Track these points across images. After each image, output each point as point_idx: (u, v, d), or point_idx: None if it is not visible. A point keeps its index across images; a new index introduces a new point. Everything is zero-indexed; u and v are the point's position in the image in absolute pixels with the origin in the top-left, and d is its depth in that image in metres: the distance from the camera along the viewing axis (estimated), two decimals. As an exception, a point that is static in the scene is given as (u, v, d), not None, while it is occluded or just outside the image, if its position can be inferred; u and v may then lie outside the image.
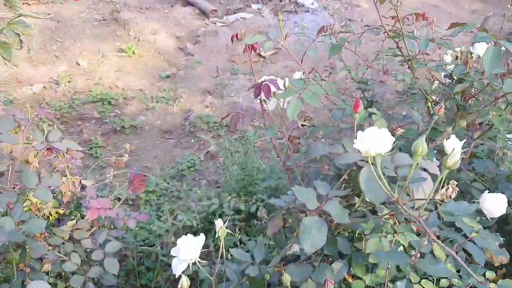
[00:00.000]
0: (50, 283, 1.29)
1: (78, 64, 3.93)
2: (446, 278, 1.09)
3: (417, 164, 0.91)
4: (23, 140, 1.49)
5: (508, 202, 1.38)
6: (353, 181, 1.16)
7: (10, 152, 1.78)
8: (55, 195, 1.66)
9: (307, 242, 0.95)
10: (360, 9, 5.10)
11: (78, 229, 1.56)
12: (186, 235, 1.05)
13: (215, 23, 4.73)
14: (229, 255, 1.37)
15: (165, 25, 4.64)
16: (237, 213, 2.26)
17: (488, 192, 1.33)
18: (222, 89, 3.78)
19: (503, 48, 1.13)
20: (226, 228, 1.13)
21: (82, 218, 1.69)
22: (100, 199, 1.57)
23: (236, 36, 1.30)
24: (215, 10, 4.88)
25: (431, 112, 1.56)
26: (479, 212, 1.04)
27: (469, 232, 1.04)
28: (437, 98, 1.45)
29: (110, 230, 1.64)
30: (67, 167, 1.64)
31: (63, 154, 1.55)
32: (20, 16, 1.32)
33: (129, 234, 2.08)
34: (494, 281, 0.98)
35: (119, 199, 2.33)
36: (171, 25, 4.66)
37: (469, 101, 1.40)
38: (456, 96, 1.38)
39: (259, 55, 4.18)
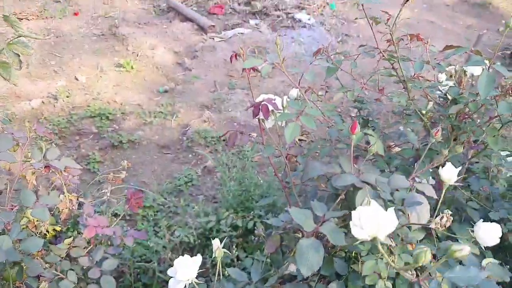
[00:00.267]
0: (46, 302, 1.29)
1: (77, 79, 3.96)
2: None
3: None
4: (21, 157, 1.50)
5: (502, 220, 1.40)
6: (350, 201, 1.17)
7: (9, 170, 1.79)
8: (52, 212, 1.66)
9: (303, 265, 0.96)
10: (356, 25, 5.15)
11: (75, 246, 1.56)
12: (183, 251, 1.05)
13: (213, 38, 4.78)
14: (226, 272, 1.37)
15: (163, 40, 4.68)
16: (234, 229, 2.26)
17: (483, 210, 1.34)
18: (220, 104, 3.80)
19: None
20: (224, 245, 1.14)
21: (79, 233, 1.69)
22: (98, 216, 1.58)
23: (235, 56, 1.32)
24: (213, 26, 4.93)
25: (427, 127, 1.57)
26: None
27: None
28: (432, 119, 1.47)
29: (107, 247, 1.64)
30: (65, 184, 1.65)
31: (61, 172, 1.56)
32: (19, 36, 1.33)
33: (126, 251, 2.08)
34: None
35: (116, 215, 2.33)
36: (170, 40, 4.70)
37: (464, 121, 1.42)
38: (451, 116, 1.40)
39: (256, 70, 4.20)
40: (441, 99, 1.47)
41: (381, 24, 1.43)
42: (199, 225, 2.32)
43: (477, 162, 1.71)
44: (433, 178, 1.43)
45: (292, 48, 4.69)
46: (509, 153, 1.64)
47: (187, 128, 3.48)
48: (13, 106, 3.53)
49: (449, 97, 1.41)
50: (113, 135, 3.33)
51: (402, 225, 1.02)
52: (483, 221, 1.03)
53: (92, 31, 4.71)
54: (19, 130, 1.55)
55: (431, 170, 1.33)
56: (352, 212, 0.79)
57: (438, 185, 1.17)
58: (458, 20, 5.53)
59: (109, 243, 1.73)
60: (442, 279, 0.84)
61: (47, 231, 1.65)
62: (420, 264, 0.79)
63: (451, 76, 1.71)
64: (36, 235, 1.58)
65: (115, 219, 1.84)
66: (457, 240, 1.12)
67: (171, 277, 1.06)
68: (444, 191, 1.06)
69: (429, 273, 0.87)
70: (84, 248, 1.57)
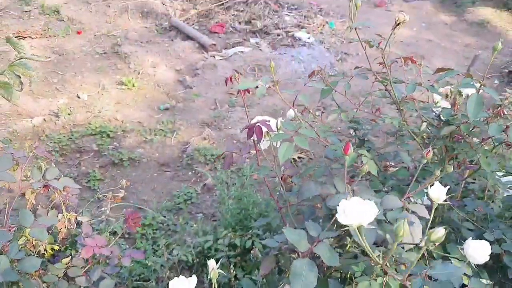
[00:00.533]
0: (43, 323, 1.29)
1: (78, 97, 4.00)
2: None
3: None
4: (21, 177, 1.52)
5: (497, 241, 1.40)
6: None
7: (8, 188, 1.81)
8: (51, 231, 1.67)
9: (297, 285, 0.97)
10: (355, 44, 5.20)
11: (73, 266, 1.56)
12: (181, 270, 1.06)
13: (214, 57, 4.84)
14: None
15: (165, 58, 4.74)
16: (232, 248, 2.26)
17: (478, 231, 1.35)
18: (220, 122, 3.83)
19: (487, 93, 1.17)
20: (221, 264, 1.15)
21: (77, 251, 1.69)
22: (96, 236, 1.58)
23: (230, 79, 1.34)
24: (214, 44, 4.99)
25: (420, 148, 1.58)
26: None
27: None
28: (427, 140, 1.49)
29: (105, 266, 1.64)
30: (63, 203, 1.66)
31: (60, 191, 1.58)
32: (21, 58, 1.36)
33: (124, 270, 2.08)
34: None
35: (115, 233, 2.34)
36: (171, 59, 4.76)
37: (458, 142, 1.44)
38: (444, 137, 1.42)
39: (256, 87, 4.25)
40: (436, 120, 1.49)
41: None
42: (198, 244, 2.33)
43: (473, 182, 1.72)
44: (428, 198, 1.44)
45: (291, 66, 4.75)
46: (504, 173, 1.65)
47: (187, 146, 3.50)
48: (15, 123, 3.56)
49: (443, 118, 1.43)
50: (114, 152, 3.35)
51: (393, 244, 1.03)
52: (476, 241, 1.04)
53: (95, 49, 4.78)
54: (19, 149, 1.58)
55: (424, 190, 1.34)
56: (337, 207, 0.89)
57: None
58: (457, 39, 5.59)
59: (107, 261, 1.74)
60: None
61: (45, 250, 1.66)
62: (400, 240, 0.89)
63: (447, 96, 1.73)
64: (34, 254, 1.59)
65: (113, 237, 1.85)
66: (450, 260, 1.13)
67: (167, 298, 1.07)
68: (433, 210, 1.07)
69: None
70: (81, 267, 1.58)
